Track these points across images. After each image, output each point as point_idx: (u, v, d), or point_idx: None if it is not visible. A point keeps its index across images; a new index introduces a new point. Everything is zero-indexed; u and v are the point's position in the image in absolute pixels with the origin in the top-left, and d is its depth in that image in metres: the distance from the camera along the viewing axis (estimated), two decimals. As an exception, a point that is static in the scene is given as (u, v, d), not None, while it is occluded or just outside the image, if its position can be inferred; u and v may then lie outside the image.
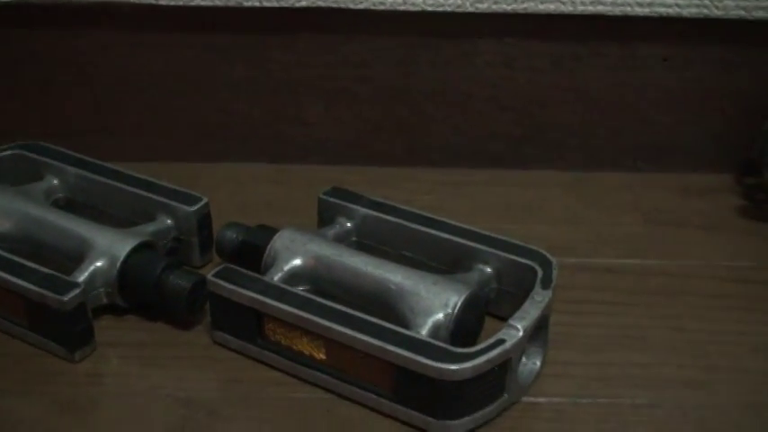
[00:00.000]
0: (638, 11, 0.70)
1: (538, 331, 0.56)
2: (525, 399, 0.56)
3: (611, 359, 0.59)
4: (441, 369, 0.51)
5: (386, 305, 0.57)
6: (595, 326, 0.62)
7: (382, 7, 0.70)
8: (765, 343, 0.61)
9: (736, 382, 0.58)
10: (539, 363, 0.57)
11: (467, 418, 0.53)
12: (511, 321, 0.54)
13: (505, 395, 0.54)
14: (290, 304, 0.55)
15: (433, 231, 0.61)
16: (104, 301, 0.59)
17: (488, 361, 0.52)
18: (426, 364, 0.51)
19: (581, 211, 0.74)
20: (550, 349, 0.59)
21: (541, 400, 0.56)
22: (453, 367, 0.51)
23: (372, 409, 0.55)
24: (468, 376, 0.51)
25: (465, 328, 0.56)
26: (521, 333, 0.53)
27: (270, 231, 0.61)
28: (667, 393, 0.57)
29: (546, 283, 0.56)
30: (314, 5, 0.70)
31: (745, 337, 0.62)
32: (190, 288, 0.58)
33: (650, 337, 0.61)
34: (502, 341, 0.52)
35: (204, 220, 0.63)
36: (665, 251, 0.70)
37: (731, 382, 0.58)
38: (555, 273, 0.57)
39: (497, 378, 0.53)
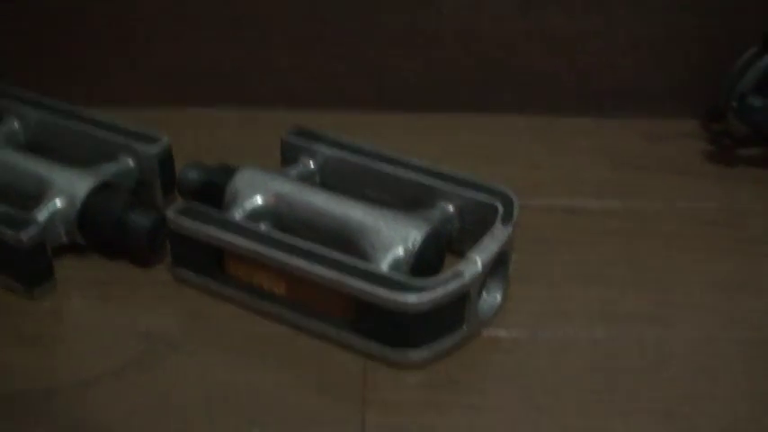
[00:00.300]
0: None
1: (498, 266, 0.57)
2: (485, 332, 0.57)
3: (571, 295, 0.60)
4: (399, 301, 0.51)
5: (347, 242, 0.57)
6: (557, 264, 0.63)
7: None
8: (724, 280, 0.62)
9: (693, 318, 0.59)
10: (499, 297, 0.57)
11: (425, 350, 0.53)
12: (470, 254, 0.54)
13: (464, 327, 0.55)
14: (249, 239, 0.55)
15: (395, 170, 0.61)
16: (64, 239, 0.59)
17: (446, 293, 0.52)
18: (384, 296, 0.51)
19: (547, 156, 0.75)
20: (511, 285, 0.59)
21: (501, 333, 0.57)
22: (411, 298, 0.51)
23: (333, 342, 0.55)
24: (425, 308, 0.51)
25: (425, 264, 0.56)
26: (479, 266, 0.53)
27: (231, 170, 0.61)
28: (625, 328, 0.57)
29: (506, 219, 0.57)
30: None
31: (704, 275, 0.62)
32: (150, 226, 0.58)
33: (610, 274, 0.62)
34: (460, 273, 0.53)
35: (166, 161, 0.63)
36: (628, 194, 0.70)
37: (689, 318, 0.59)
38: (516, 210, 0.58)
39: (456, 310, 0.53)
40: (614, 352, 0.56)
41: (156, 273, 0.60)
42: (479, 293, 0.55)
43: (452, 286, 0.52)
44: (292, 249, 0.54)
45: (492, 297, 0.58)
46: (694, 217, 0.68)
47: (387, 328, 0.53)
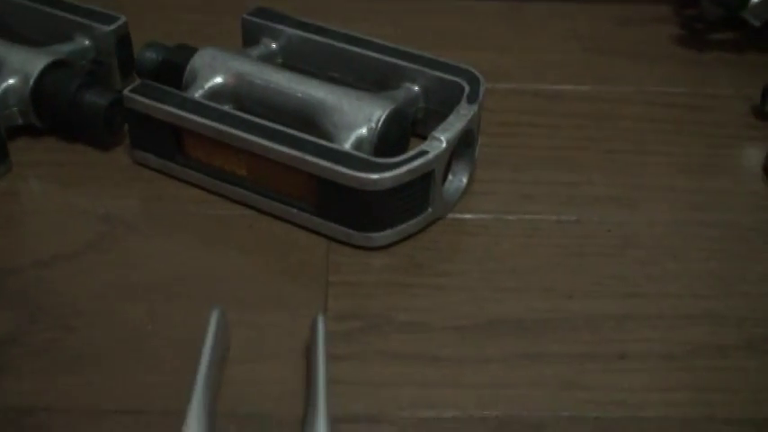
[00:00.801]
0: None
1: (464, 149, 0.56)
2: (450, 215, 0.56)
3: (539, 178, 0.59)
4: (361, 179, 0.50)
5: (309, 122, 0.56)
6: (524, 147, 0.62)
7: None
8: (693, 164, 0.61)
9: (662, 200, 0.58)
10: (465, 180, 0.56)
11: (389, 231, 0.52)
12: (434, 133, 0.53)
13: (429, 209, 0.54)
14: (208, 118, 0.54)
15: (359, 50, 0.60)
16: (19, 121, 0.58)
17: (410, 171, 0.51)
18: (347, 174, 0.50)
19: (517, 40, 0.73)
20: (478, 169, 0.58)
21: (467, 216, 0.56)
22: (374, 177, 0.50)
23: (295, 224, 0.54)
24: (389, 186, 0.50)
25: (389, 144, 0.55)
26: (444, 144, 0.52)
27: (190, 50, 0.59)
28: (593, 210, 0.57)
29: (472, 98, 0.55)
30: None
31: (673, 158, 0.61)
32: (106, 104, 0.56)
33: (579, 158, 0.61)
34: (424, 152, 0.52)
35: (123, 40, 0.61)
36: (599, 78, 0.69)
37: (657, 200, 0.58)
38: (482, 89, 0.56)
39: (420, 191, 0.52)
40: (581, 234, 0.55)
41: (114, 155, 0.59)
42: (444, 175, 0.54)
43: (417, 164, 0.51)
44: (253, 127, 0.53)
45: (458, 180, 0.57)
46: (664, 101, 0.67)
47: (350, 210, 0.52)
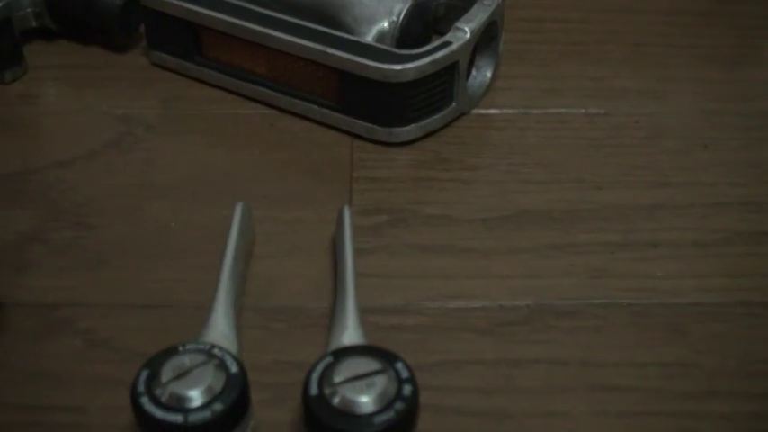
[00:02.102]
0: None
1: (488, 42, 0.54)
2: (475, 111, 0.55)
3: (565, 73, 0.58)
4: (384, 70, 0.49)
5: (328, 17, 0.54)
6: (550, 42, 0.60)
7: None
8: (724, 55, 0.59)
9: (692, 92, 0.57)
10: (489, 75, 0.55)
11: (413, 126, 0.51)
12: (458, 24, 0.51)
13: (454, 104, 0.52)
14: (226, 13, 0.52)
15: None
16: (33, 23, 0.56)
17: (433, 62, 0.49)
18: (369, 66, 0.49)
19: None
20: (503, 65, 0.57)
21: (492, 111, 0.55)
22: (397, 68, 0.49)
23: (317, 122, 0.53)
24: (412, 78, 0.49)
25: (411, 39, 0.53)
26: (467, 35, 0.51)
27: (206, -53, 0.57)
28: (621, 103, 0.55)
29: (496, -11, 0.54)
30: None
31: (703, 50, 0.60)
32: (122, 4, 0.55)
33: (605, 52, 0.59)
34: (448, 43, 0.50)
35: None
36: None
37: (687, 92, 0.57)
38: (507, -20, 0.54)
39: (444, 83, 0.51)
40: (609, 126, 0.54)
41: (131, 57, 0.58)
42: (469, 68, 0.53)
43: (440, 55, 0.49)
44: (273, 22, 0.51)
45: (482, 75, 0.55)
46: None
47: (372, 104, 0.50)
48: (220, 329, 0.39)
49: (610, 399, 0.40)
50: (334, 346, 0.38)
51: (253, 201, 0.45)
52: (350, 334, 0.38)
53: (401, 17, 0.53)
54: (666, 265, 0.46)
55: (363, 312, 0.40)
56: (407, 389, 0.35)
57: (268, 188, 0.49)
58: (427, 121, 0.52)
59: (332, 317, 0.41)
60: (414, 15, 0.53)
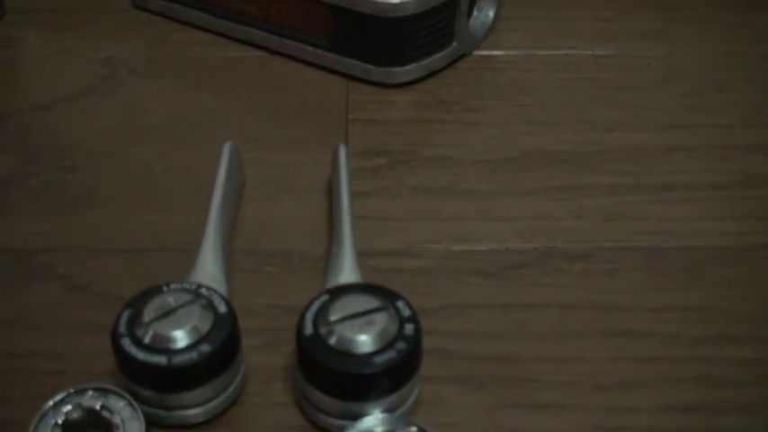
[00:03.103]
0: None
1: (490, -20, 0.51)
2: (477, 52, 0.52)
3: (571, 14, 0.55)
4: (380, 4, 0.46)
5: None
6: (554, -16, 0.57)
7: None
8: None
9: (705, 33, 0.54)
10: (491, 15, 0.52)
11: (412, 66, 0.49)
12: (459, -43, 0.48)
13: (455, 43, 0.50)
14: (213, -52, 0.49)
15: None
16: (11, -36, 0.53)
17: (433, -4, 0.46)
18: (364, 0, 0.46)
19: None
20: (506, 6, 0.54)
21: (495, 52, 0.52)
22: (394, 1, 0.46)
23: (310, 64, 0.50)
24: (410, 12, 0.46)
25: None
26: (470, -32, 0.48)
27: None
28: (631, 45, 0.53)
29: (499, -76, 0.51)
30: None
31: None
32: (103, -59, 0.52)
33: (613, -8, 0.56)
34: (449, -24, 0.47)
35: None
36: None
37: (700, 34, 0.54)
38: None
39: (444, 20, 0.48)
40: (618, 68, 0.51)
41: (113, 0, 0.55)
42: (470, 7, 0.50)
43: (440, -11, 0.46)
44: (262, -43, 0.48)
45: (483, 14, 0.52)
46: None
47: (368, 42, 0.48)
48: (209, 270, 0.36)
49: (626, 344, 0.37)
50: (329, 286, 0.35)
51: (243, 144, 0.43)
52: (347, 275, 0.36)
53: (399, -49, 0.50)
54: (682, 207, 0.43)
55: (361, 256, 0.37)
56: (409, 328, 0.32)
57: (259, 131, 0.47)
58: (427, 60, 0.49)
59: (327, 259, 0.38)
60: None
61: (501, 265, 0.40)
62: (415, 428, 0.32)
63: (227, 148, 0.41)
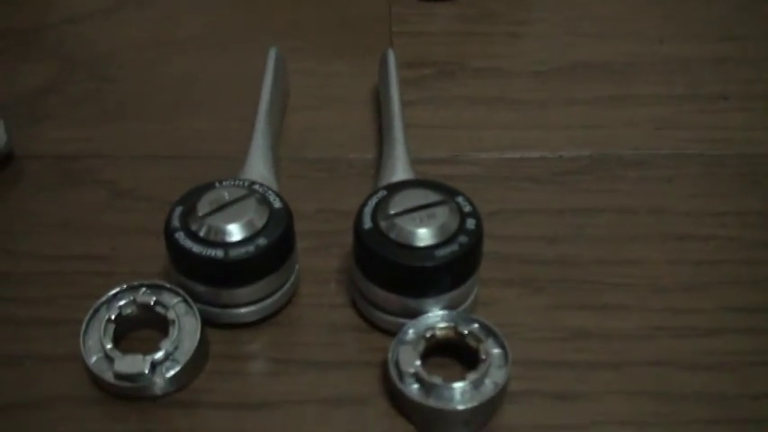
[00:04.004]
0: None
1: None
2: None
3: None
4: None
5: None
6: None
7: None
8: None
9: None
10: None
11: (457, -24, 0.47)
12: None
13: (500, -45, 0.48)
14: None
15: None
16: None
17: None
18: None
19: None
20: None
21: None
22: None
23: (351, -25, 0.49)
24: None
25: None
26: None
27: None
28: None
29: None
30: None
31: None
32: None
33: None
34: None
35: None
36: None
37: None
38: None
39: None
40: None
41: None
42: None
43: None
44: None
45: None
46: None
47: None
48: (259, 170, 0.35)
49: (686, 247, 0.36)
50: (384, 184, 0.34)
51: (286, 54, 0.41)
52: (400, 176, 0.35)
53: None
54: (737, 116, 0.42)
55: (413, 162, 0.36)
56: (471, 222, 0.31)
57: (301, 41, 0.46)
58: (472, -28, 0.48)
59: (379, 162, 0.37)
60: None
61: (554, 171, 0.39)
62: (477, 325, 0.31)
63: (272, 53, 0.40)
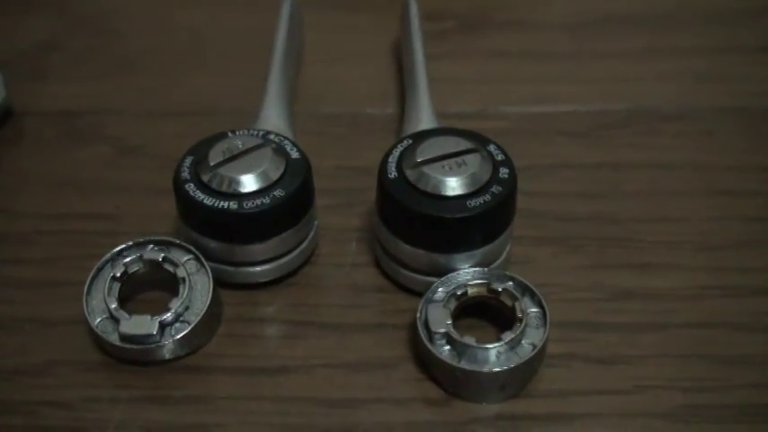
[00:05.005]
0: None
1: None
2: None
3: None
4: None
5: None
6: None
7: None
8: None
9: None
10: None
11: (480, -74, 0.45)
12: None
13: None
14: None
15: None
16: None
17: None
18: None
19: None
20: None
21: None
22: None
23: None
24: None
25: None
26: None
27: None
28: None
29: None
30: None
31: None
32: None
33: None
34: None
35: None
36: None
37: None
38: None
39: None
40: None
41: None
42: None
43: None
44: None
45: None
46: None
47: None
48: (274, 123, 0.33)
49: (731, 203, 0.34)
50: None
51: (299, 5, 0.39)
52: (425, 126, 0.32)
53: None
54: (778, 69, 0.40)
55: (438, 116, 0.34)
56: (504, 171, 0.29)
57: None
58: None
59: (402, 117, 0.35)
60: None
61: (588, 125, 0.37)
62: (511, 282, 0.29)
63: (287, 3, 0.38)
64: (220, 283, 0.30)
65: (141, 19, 0.42)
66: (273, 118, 0.33)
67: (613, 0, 0.43)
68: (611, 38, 0.41)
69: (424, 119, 0.33)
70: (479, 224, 0.28)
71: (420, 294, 0.29)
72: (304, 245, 0.30)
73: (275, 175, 0.29)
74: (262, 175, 0.29)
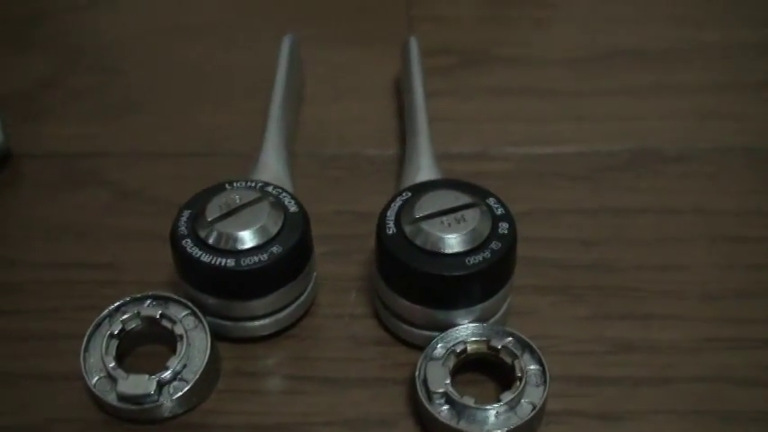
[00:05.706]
0: None
1: None
2: (549, -53, 0.47)
3: None
4: None
5: None
6: None
7: None
8: None
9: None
10: None
11: (482, -42, 0.44)
12: None
13: (527, -65, 0.45)
14: None
15: None
16: None
17: None
18: None
19: None
20: None
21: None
22: None
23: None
24: None
25: None
26: None
27: None
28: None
29: None
30: None
31: None
32: None
33: None
34: None
35: None
36: None
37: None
38: None
39: None
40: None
41: None
42: None
43: None
44: None
45: None
46: None
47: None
48: (273, 169, 0.32)
49: (735, 250, 0.33)
50: (407, 185, 0.31)
51: (300, 43, 0.39)
52: (426, 174, 0.32)
53: None
54: (784, 106, 0.39)
55: (438, 158, 0.33)
56: (504, 226, 0.29)
57: (316, 29, 0.43)
58: (497, -47, 0.45)
59: (403, 159, 0.35)
60: None
61: (590, 167, 0.36)
62: (511, 339, 0.28)
63: (287, 41, 0.38)
64: (219, 337, 0.30)
65: (142, 55, 0.42)
66: (272, 164, 0.32)
67: (617, 35, 0.43)
68: (614, 74, 0.41)
69: (424, 166, 0.32)
70: (478, 281, 0.28)
71: (420, 348, 0.29)
72: (303, 297, 0.30)
73: (273, 230, 0.29)
74: (259, 231, 0.28)
